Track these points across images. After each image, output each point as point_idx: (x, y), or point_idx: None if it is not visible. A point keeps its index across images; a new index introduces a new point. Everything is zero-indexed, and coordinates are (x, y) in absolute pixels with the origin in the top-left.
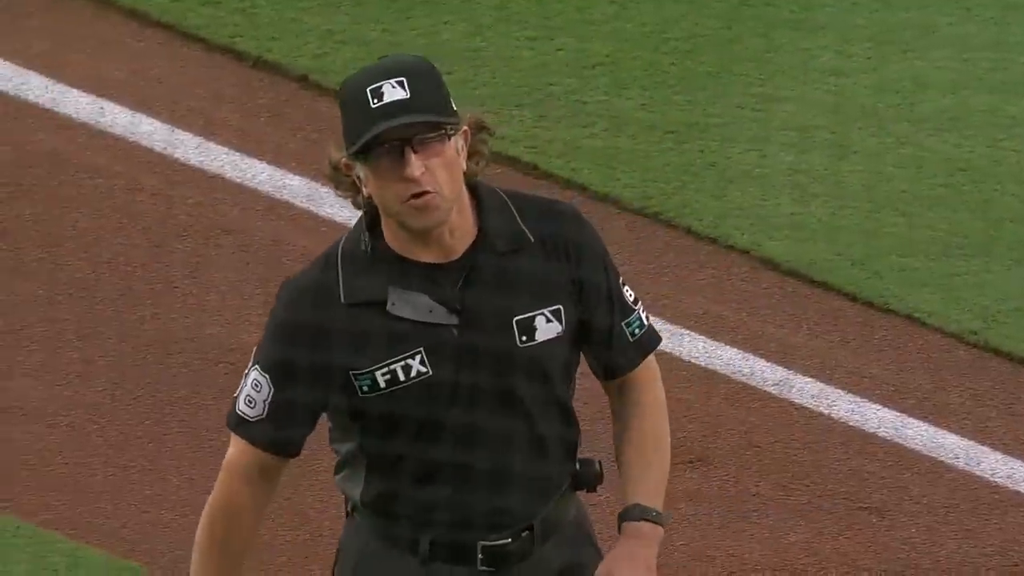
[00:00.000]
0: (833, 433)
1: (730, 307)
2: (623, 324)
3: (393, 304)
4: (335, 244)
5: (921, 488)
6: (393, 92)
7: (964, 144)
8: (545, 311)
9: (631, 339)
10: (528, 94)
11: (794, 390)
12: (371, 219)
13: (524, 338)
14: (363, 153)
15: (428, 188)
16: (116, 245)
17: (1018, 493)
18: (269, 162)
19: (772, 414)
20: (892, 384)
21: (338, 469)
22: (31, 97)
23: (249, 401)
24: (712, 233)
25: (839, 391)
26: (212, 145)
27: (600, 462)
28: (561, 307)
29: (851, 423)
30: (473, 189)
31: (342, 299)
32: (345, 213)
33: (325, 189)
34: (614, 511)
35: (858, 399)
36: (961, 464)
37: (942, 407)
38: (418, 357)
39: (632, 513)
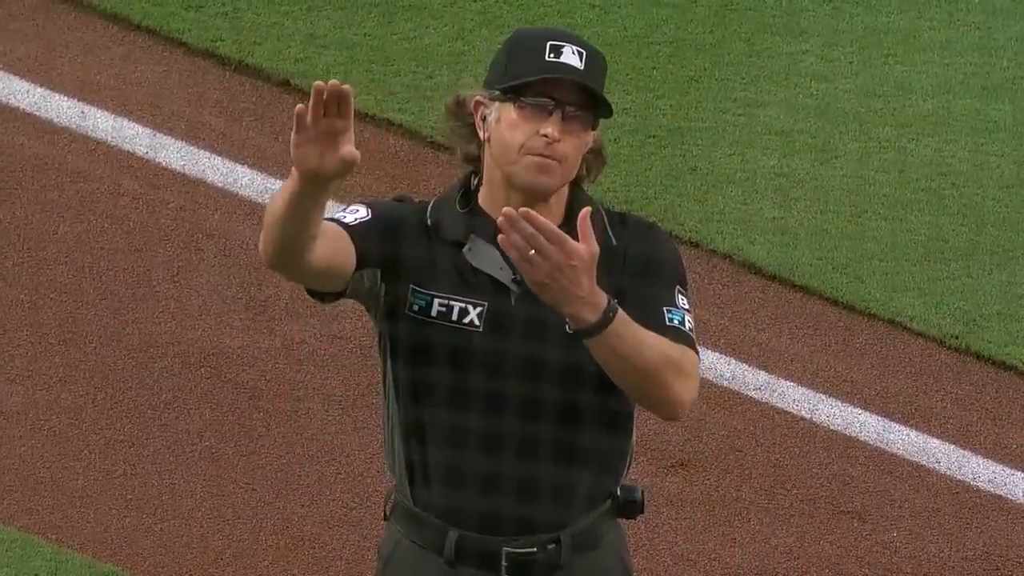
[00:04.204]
0: (816, 437)
1: (713, 311)
2: (665, 308)
3: (469, 249)
4: (428, 199)
5: (904, 492)
6: (571, 57)
7: (947, 148)
8: None
9: (668, 323)
10: None
11: (776, 394)
12: (468, 177)
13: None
14: (514, 93)
15: (555, 154)
16: (98, 249)
17: (1000, 497)
18: (251, 166)
19: (755, 418)
20: (875, 388)
21: (384, 439)
22: (14, 101)
23: (346, 212)
24: (695, 237)
25: (822, 395)
26: (195, 149)
27: (643, 491)
28: None
29: (833, 427)
30: (572, 190)
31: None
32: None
33: None
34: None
35: (841, 403)
36: (943, 468)
37: (925, 411)
38: (479, 309)
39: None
